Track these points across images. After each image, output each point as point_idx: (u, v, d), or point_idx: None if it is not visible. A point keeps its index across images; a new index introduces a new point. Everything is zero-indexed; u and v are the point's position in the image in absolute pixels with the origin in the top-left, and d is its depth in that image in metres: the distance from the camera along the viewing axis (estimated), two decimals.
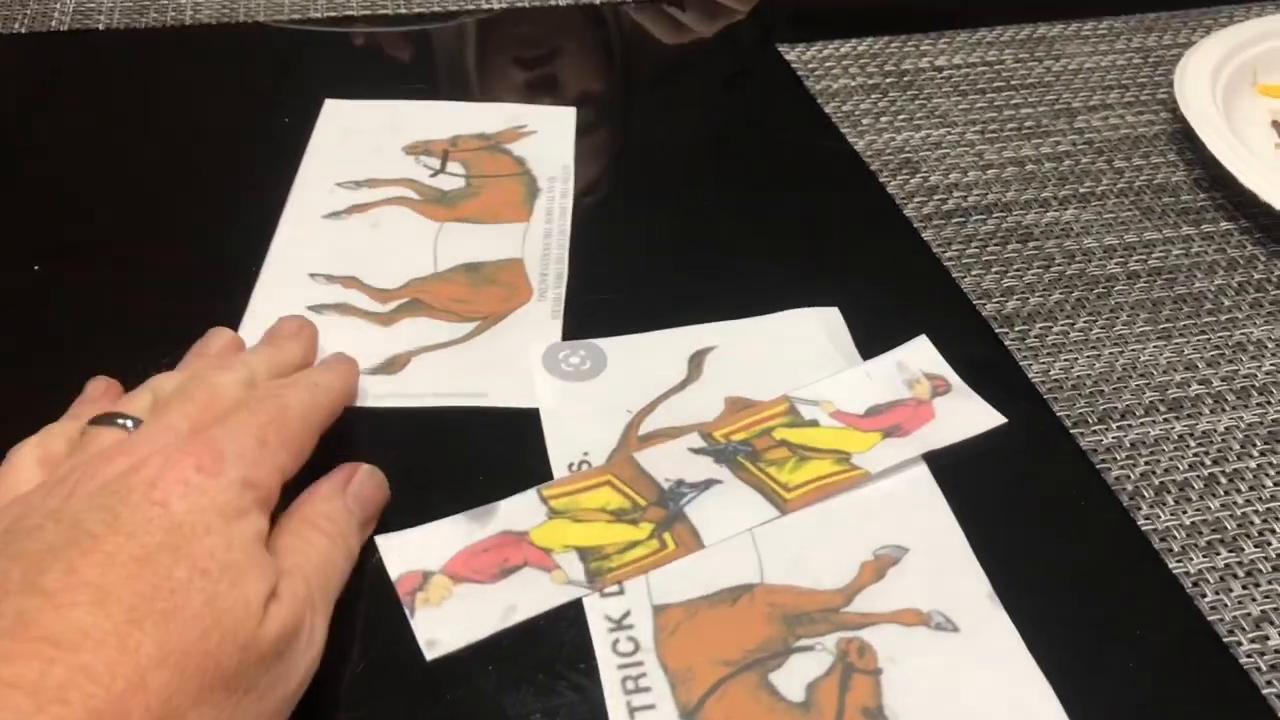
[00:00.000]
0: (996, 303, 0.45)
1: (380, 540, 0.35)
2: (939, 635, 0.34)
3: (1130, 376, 0.42)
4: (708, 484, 0.37)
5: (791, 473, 0.38)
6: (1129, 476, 0.38)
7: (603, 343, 0.43)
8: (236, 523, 0.29)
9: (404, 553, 0.35)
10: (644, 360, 0.42)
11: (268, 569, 0.29)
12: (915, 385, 0.41)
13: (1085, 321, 0.44)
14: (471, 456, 0.38)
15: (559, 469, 0.38)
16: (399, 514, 0.36)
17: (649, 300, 0.44)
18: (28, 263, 0.45)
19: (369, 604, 0.33)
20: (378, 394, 0.40)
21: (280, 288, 0.44)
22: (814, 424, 0.39)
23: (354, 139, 0.52)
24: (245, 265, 0.45)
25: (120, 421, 0.33)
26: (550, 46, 0.60)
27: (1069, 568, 0.36)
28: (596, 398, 0.41)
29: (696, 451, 0.38)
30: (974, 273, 0.46)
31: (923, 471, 0.38)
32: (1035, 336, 0.43)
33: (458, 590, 0.34)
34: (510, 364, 0.42)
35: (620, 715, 0.31)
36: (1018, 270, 0.46)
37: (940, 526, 0.37)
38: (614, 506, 0.36)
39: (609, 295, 0.44)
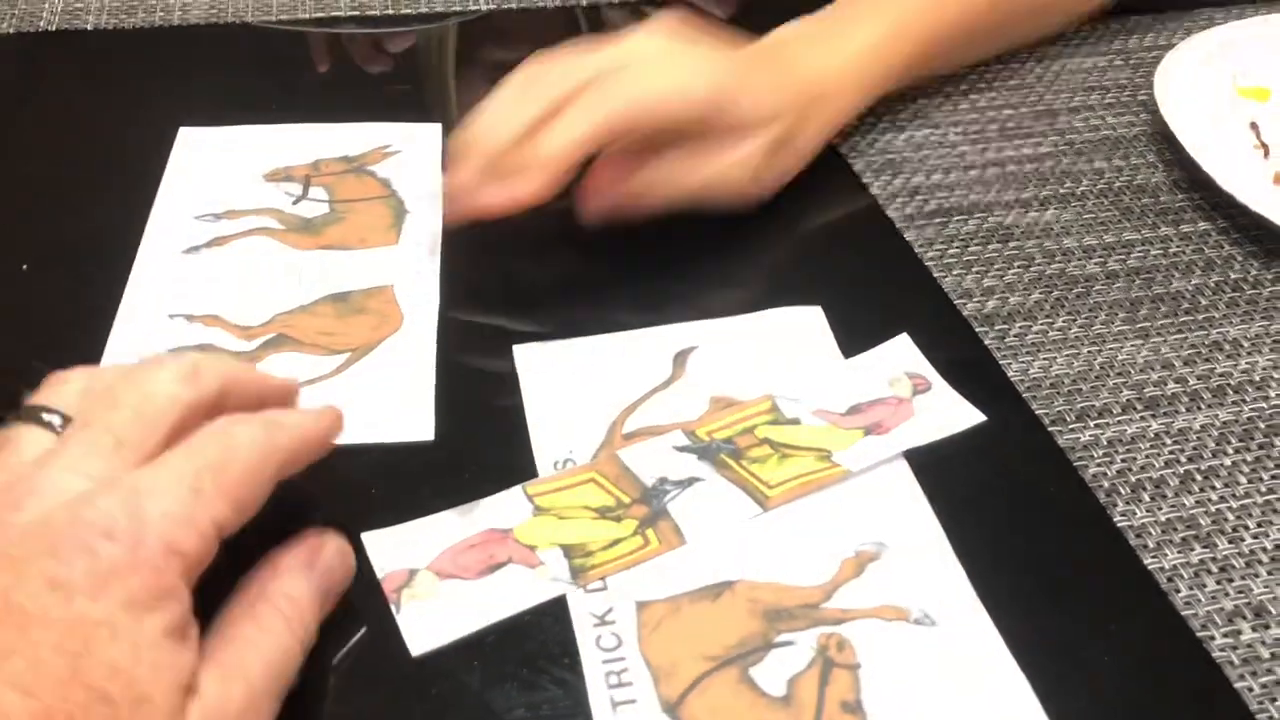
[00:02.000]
0: (977, 302, 0.45)
1: (366, 538, 0.35)
2: (918, 630, 0.34)
3: (1108, 375, 0.43)
4: (690, 481, 0.38)
5: (773, 470, 0.38)
6: (1105, 474, 0.39)
7: (587, 342, 0.43)
8: (148, 617, 0.26)
9: (390, 550, 0.35)
10: (628, 359, 0.43)
11: (183, 670, 0.26)
12: (896, 383, 0.41)
13: (1064, 321, 0.45)
14: (457, 455, 0.39)
15: (544, 467, 0.38)
16: (385, 512, 0.36)
17: (628, 301, 0.45)
18: (16, 262, 0.45)
19: (354, 600, 0.34)
20: None
21: (138, 331, 0.42)
22: (796, 422, 0.40)
23: (211, 168, 0.50)
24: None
25: (46, 418, 0.30)
26: (530, 49, 0.60)
27: (1046, 564, 0.36)
28: (581, 397, 0.41)
29: (680, 449, 0.39)
30: (955, 272, 0.47)
31: (903, 468, 0.39)
32: (1015, 335, 0.44)
33: (443, 587, 0.34)
34: (389, 395, 0.40)
35: (603, 709, 0.32)
36: (998, 270, 0.47)
37: (920, 523, 0.37)
38: (598, 504, 0.37)
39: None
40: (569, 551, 0.35)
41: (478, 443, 0.39)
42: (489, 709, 0.32)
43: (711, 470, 0.38)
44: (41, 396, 0.31)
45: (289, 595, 0.30)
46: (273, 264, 0.45)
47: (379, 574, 0.34)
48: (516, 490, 0.37)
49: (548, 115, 0.42)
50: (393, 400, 0.40)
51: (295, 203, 0.48)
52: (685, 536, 0.36)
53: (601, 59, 0.44)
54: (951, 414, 0.40)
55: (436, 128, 0.52)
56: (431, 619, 0.33)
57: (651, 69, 0.44)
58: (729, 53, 0.46)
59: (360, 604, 0.34)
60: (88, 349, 0.42)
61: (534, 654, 0.33)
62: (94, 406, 0.30)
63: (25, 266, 0.45)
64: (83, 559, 0.25)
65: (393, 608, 0.34)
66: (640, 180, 0.45)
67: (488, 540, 0.35)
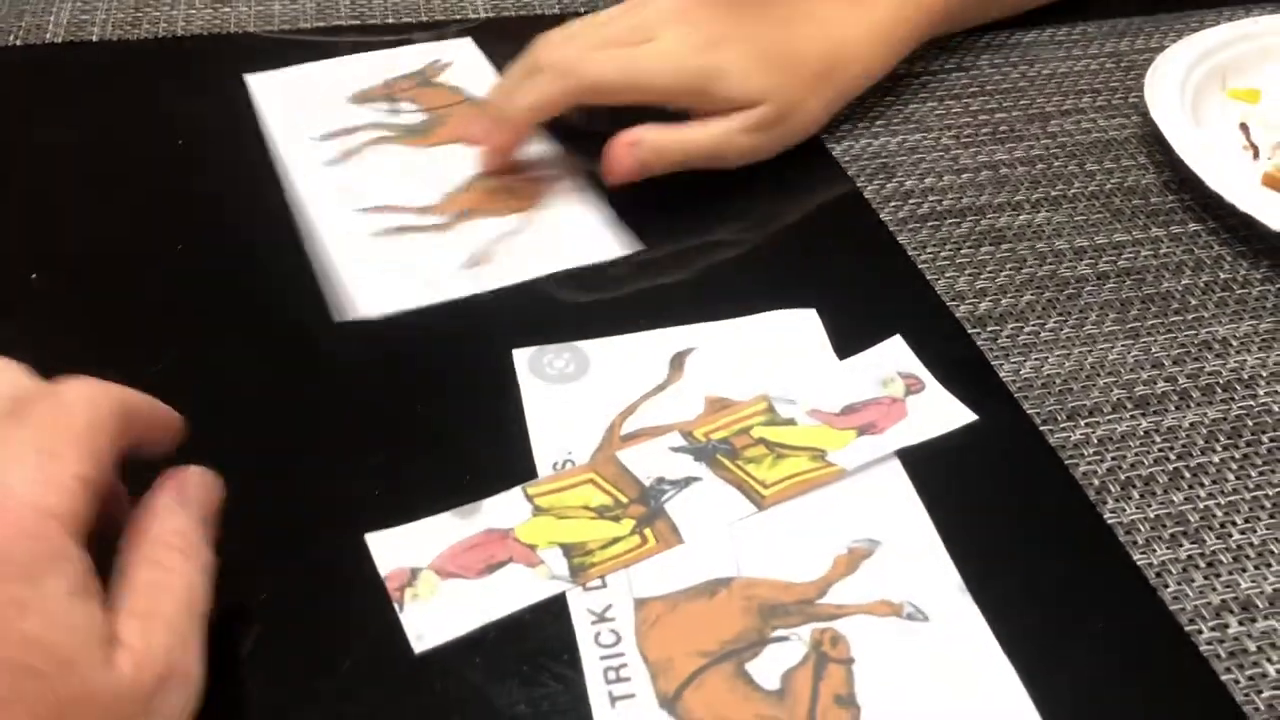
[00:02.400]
0: (969, 304, 0.46)
1: (370, 538, 0.36)
2: (910, 625, 0.35)
3: (1098, 375, 0.43)
4: (687, 481, 0.38)
5: (769, 470, 0.39)
6: (1095, 472, 0.40)
7: (586, 345, 0.44)
8: (47, 582, 0.26)
9: (392, 550, 0.36)
10: (626, 362, 0.43)
11: (97, 626, 0.27)
12: (889, 384, 0.42)
13: (1055, 322, 0.45)
14: (458, 456, 0.39)
15: (543, 468, 0.39)
16: (387, 512, 0.37)
17: (627, 304, 0.45)
18: (24, 272, 0.46)
19: (358, 600, 0.34)
20: (482, 283, 0.46)
21: (343, 231, 0.47)
22: (791, 422, 0.41)
23: (299, 103, 0.54)
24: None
25: None
26: None
27: (1036, 560, 0.37)
28: (580, 399, 0.42)
29: (677, 450, 0.39)
30: (948, 275, 0.47)
31: (896, 467, 0.39)
32: (1007, 337, 0.45)
33: (444, 586, 0.35)
34: (587, 224, 0.48)
35: (602, 704, 0.32)
36: (990, 272, 0.48)
37: (912, 520, 0.38)
38: (596, 504, 0.38)
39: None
40: (568, 550, 0.36)
41: (478, 444, 0.40)
42: (490, 705, 0.32)
43: (708, 470, 0.39)
44: None
45: (176, 530, 0.30)
46: (408, 161, 0.51)
47: (382, 573, 0.35)
48: (516, 491, 0.38)
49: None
50: (592, 226, 0.48)
51: (393, 115, 0.54)
52: (683, 535, 0.37)
53: (592, 35, 0.48)
54: (944, 413, 0.41)
55: (467, 40, 0.59)
56: (433, 617, 0.34)
57: (622, 56, 0.48)
58: (713, 42, 0.49)
59: (364, 603, 0.34)
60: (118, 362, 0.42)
61: (534, 651, 0.34)
62: None
63: (34, 276, 0.46)
64: None
65: (396, 606, 0.34)
66: (655, 146, 0.49)
67: (488, 540, 0.36)
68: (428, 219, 0.48)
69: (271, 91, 0.56)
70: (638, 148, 0.48)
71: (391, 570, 0.35)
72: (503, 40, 0.62)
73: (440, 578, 0.35)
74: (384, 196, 0.49)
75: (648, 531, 0.37)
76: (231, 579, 0.32)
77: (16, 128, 0.55)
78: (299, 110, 0.54)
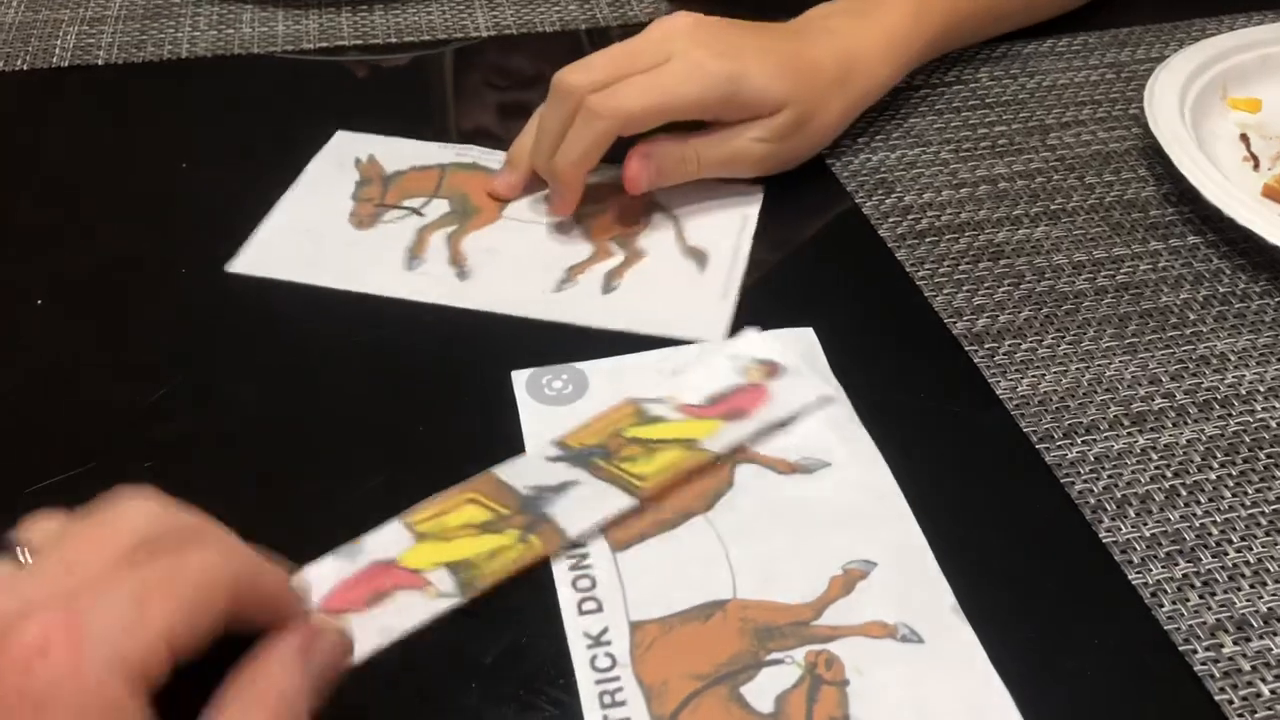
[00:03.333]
0: (967, 321, 0.46)
1: None
2: (905, 647, 0.35)
3: (1096, 391, 0.43)
4: (566, 486, 0.39)
5: (645, 465, 0.40)
6: (1092, 490, 0.40)
7: (584, 365, 0.44)
8: None
9: None
10: (624, 382, 0.44)
11: None
12: (750, 372, 0.43)
13: (1053, 338, 0.46)
14: (458, 478, 0.40)
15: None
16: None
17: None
18: (31, 296, 0.47)
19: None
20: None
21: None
22: (660, 420, 0.41)
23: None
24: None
25: (19, 551, 0.28)
26: (532, 73, 0.61)
27: (1032, 580, 0.37)
28: (578, 421, 0.42)
29: (553, 459, 0.40)
30: (945, 291, 0.47)
31: (890, 486, 0.39)
32: (1004, 354, 0.45)
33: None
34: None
35: None
36: (988, 288, 0.48)
37: (907, 540, 0.38)
38: (479, 521, 0.38)
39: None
40: (455, 568, 0.36)
41: (477, 466, 0.40)
42: None
43: (585, 473, 0.39)
44: (23, 529, 0.29)
45: (283, 694, 0.27)
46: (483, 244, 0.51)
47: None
48: (395, 523, 0.38)
49: (566, 130, 0.48)
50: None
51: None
52: (566, 534, 0.37)
53: (611, 66, 0.48)
54: (803, 390, 0.43)
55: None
56: None
57: (648, 81, 0.48)
58: (734, 52, 0.49)
59: None
60: (121, 386, 0.43)
61: (530, 675, 0.34)
62: (54, 539, 0.28)
63: (40, 301, 0.47)
64: (17, 679, 0.24)
65: None
66: (673, 157, 0.50)
67: (373, 573, 0.36)
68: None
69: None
70: (653, 159, 0.49)
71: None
72: (506, 57, 0.62)
73: (331, 616, 0.35)
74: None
75: (532, 538, 0.37)
76: None
77: (23, 152, 0.55)
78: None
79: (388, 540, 0.37)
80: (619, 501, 0.38)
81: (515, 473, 0.39)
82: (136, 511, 0.28)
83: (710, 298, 0.47)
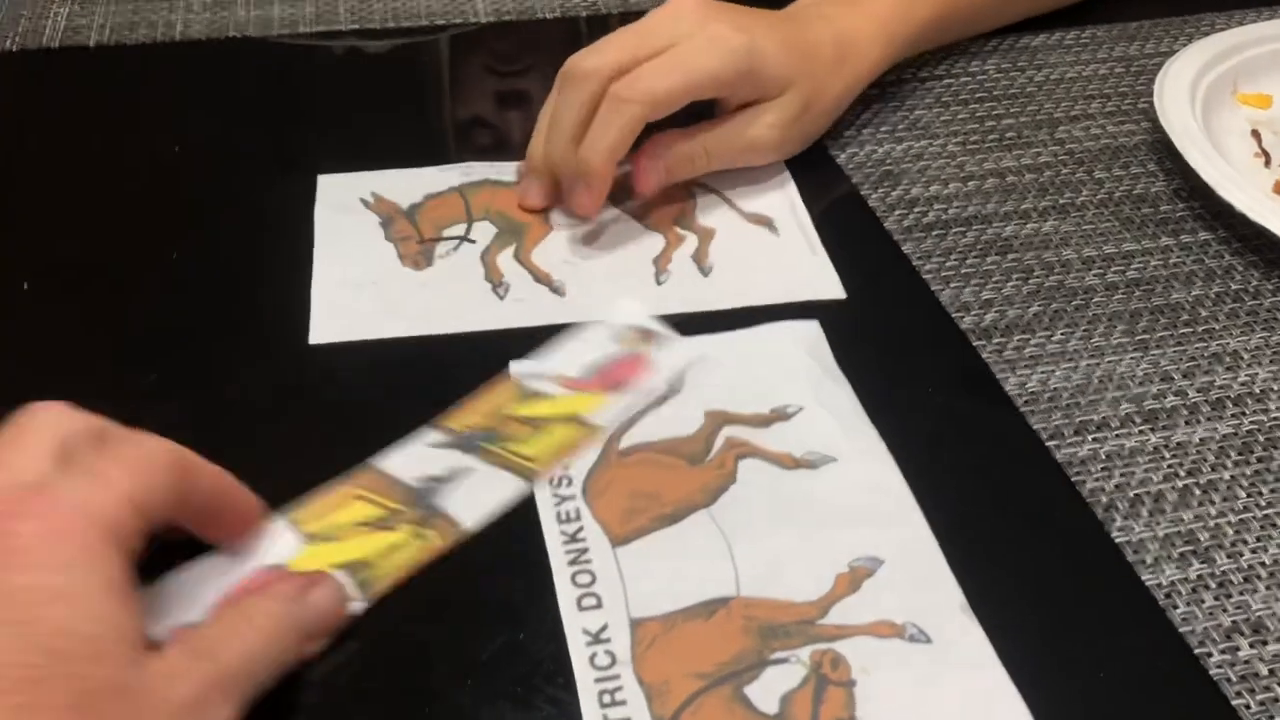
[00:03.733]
0: (975, 315, 0.45)
1: (145, 591, 0.32)
2: (912, 647, 0.34)
3: (1107, 388, 0.42)
4: (456, 474, 0.38)
5: (533, 445, 0.39)
6: (1104, 489, 0.39)
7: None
8: (80, 577, 0.27)
9: (166, 604, 0.33)
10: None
11: (126, 625, 0.27)
12: (627, 340, 0.43)
13: (1063, 333, 0.45)
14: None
15: (539, 485, 0.38)
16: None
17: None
18: (18, 280, 0.45)
19: None
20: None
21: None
22: (543, 395, 0.41)
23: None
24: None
25: None
26: (528, 60, 0.60)
27: (1043, 580, 0.36)
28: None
29: (438, 446, 0.39)
30: (953, 285, 0.46)
31: (898, 482, 0.38)
32: (1013, 349, 0.44)
33: None
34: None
35: None
36: (996, 283, 0.47)
37: (915, 538, 0.37)
38: (372, 518, 0.37)
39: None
40: (351, 569, 0.35)
41: None
42: None
43: (476, 460, 0.39)
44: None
45: (267, 612, 0.31)
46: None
47: (165, 632, 0.32)
48: (281, 523, 0.36)
49: (586, 119, 0.46)
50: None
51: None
52: (462, 526, 0.36)
53: (625, 49, 0.47)
54: (680, 356, 0.42)
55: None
56: None
57: (669, 60, 0.47)
58: (746, 27, 0.48)
59: None
60: (110, 371, 0.42)
61: (528, 673, 0.33)
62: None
63: (26, 285, 0.45)
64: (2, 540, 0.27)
65: None
66: (681, 154, 0.49)
67: (262, 579, 0.34)
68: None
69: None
70: (661, 158, 0.48)
71: (171, 627, 0.32)
72: (500, 44, 0.61)
73: None
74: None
75: (428, 533, 0.36)
76: None
77: (12, 133, 0.54)
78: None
79: (275, 543, 0.35)
80: (513, 487, 0.38)
81: (400, 464, 0.38)
82: (54, 415, 0.31)
83: (803, 256, 0.47)
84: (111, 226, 0.49)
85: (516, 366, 0.42)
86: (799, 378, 0.42)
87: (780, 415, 0.41)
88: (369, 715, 0.32)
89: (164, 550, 0.33)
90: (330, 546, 0.36)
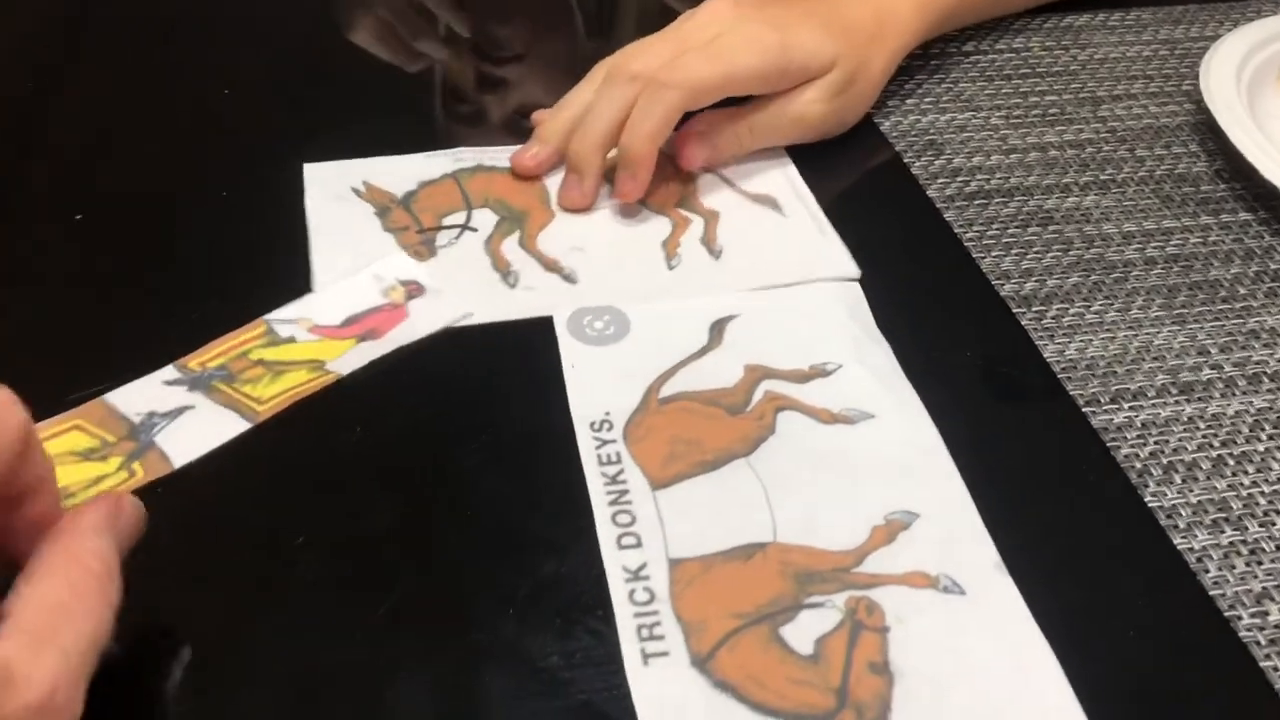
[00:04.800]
0: (1015, 283, 0.46)
1: None
2: (946, 598, 0.34)
3: (1143, 359, 0.43)
4: (179, 411, 0.38)
5: (266, 387, 0.39)
6: (1138, 455, 0.39)
7: (626, 308, 0.44)
8: None
9: None
10: (666, 327, 0.43)
11: None
12: (391, 292, 0.43)
13: (1101, 304, 0.45)
14: (499, 416, 0.39)
15: (581, 427, 0.39)
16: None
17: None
18: (70, 212, 0.46)
19: None
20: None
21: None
22: (291, 340, 0.41)
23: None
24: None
25: None
26: (516, 45, 0.60)
27: (1076, 541, 0.37)
28: (618, 361, 0.42)
29: (170, 383, 0.40)
30: (994, 254, 0.47)
31: (935, 441, 0.39)
32: (1052, 318, 0.44)
33: None
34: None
35: (635, 660, 0.32)
36: (1037, 253, 0.47)
37: (952, 496, 0.37)
38: (82, 448, 0.37)
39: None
40: None
41: (514, 405, 0.40)
42: (524, 655, 0.32)
43: (203, 397, 0.39)
44: None
45: (98, 553, 0.28)
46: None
47: None
48: None
49: (625, 118, 0.46)
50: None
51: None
52: (172, 462, 0.37)
53: (668, 51, 0.47)
54: (442, 312, 0.43)
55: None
56: None
57: (710, 50, 0.47)
58: (781, 24, 0.48)
59: None
60: (157, 305, 0.43)
61: (567, 606, 0.34)
62: None
63: (78, 216, 0.46)
64: None
65: None
66: (727, 132, 0.49)
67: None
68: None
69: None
70: (711, 135, 0.48)
71: None
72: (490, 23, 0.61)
73: None
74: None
75: (136, 465, 0.37)
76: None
77: (65, 65, 0.55)
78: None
79: None
80: (232, 428, 0.38)
81: (127, 399, 0.39)
82: None
83: (811, 236, 0.47)
84: (162, 162, 0.49)
85: (271, 314, 0.42)
86: (839, 336, 0.43)
87: (819, 371, 0.41)
88: (414, 641, 0.33)
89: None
90: None
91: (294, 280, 0.44)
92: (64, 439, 0.37)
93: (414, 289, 0.43)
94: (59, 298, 0.43)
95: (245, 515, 0.36)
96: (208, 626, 0.33)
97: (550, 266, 0.46)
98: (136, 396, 0.39)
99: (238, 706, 0.31)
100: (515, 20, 0.61)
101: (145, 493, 0.36)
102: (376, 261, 0.44)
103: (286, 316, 0.42)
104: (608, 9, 0.64)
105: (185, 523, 0.35)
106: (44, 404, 0.38)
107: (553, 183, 0.49)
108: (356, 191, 0.49)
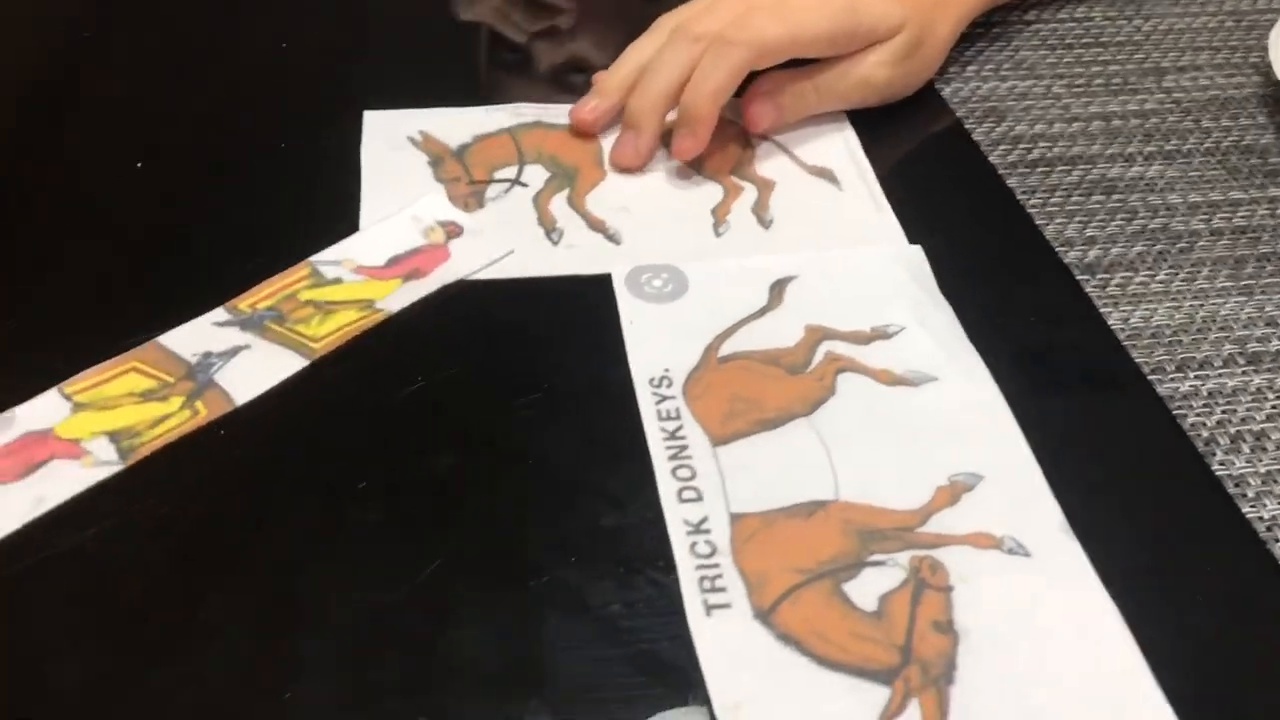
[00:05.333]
0: (1078, 251, 0.45)
1: None
2: (1011, 559, 0.34)
3: (1209, 329, 0.42)
4: (235, 351, 0.39)
5: (318, 326, 0.40)
6: (1204, 424, 0.39)
7: (685, 266, 0.43)
8: None
9: None
10: (725, 286, 0.43)
11: None
12: (431, 233, 0.43)
13: (1166, 274, 0.44)
14: (557, 369, 0.39)
15: (640, 383, 0.39)
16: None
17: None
18: (131, 160, 0.46)
19: None
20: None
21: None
22: (337, 282, 0.41)
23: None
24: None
25: None
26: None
27: (1142, 506, 0.36)
28: (677, 319, 0.41)
29: (222, 324, 0.40)
30: (1057, 221, 0.46)
31: (999, 404, 0.38)
32: (1116, 286, 0.44)
33: None
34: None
35: (697, 610, 0.32)
36: (1100, 221, 0.46)
37: (1016, 459, 0.37)
38: (142, 389, 0.37)
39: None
40: (116, 436, 0.36)
41: (572, 359, 0.40)
42: (586, 603, 0.32)
43: (256, 337, 0.39)
44: None
45: None
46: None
47: None
48: (52, 392, 0.37)
49: (688, 76, 0.46)
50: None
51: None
52: (234, 400, 0.37)
53: (737, 2, 0.47)
54: (482, 250, 0.43)
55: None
56: None
57: (778, 9, 0.46)
58: None
59: None
60: (212, 250, 0.43)
61: (630, 556, 0.33)
62: None
63: (139, 164, 0.46)
64: None
65: None
66: (793, 92, 0.49)
67: (26, 444, 0.36)
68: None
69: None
70: (777, 96, 0.48)
71: None
72: None
73: None
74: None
75: (198, 404, 0.37)
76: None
77: (128, 23, 0.55)
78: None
79: (42, 410, 0.37)
80: (291, 364, 0.38)
81: (181, 340, 0.39)
82: None
83: (866, 212, 0.46)
84: (220, 114, 0.49)
85: (314, 255, 0.42)
86: (901, 299, 0.42)
87: (881, 334, 0.41)
88: (477, 584, 0.33)
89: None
90: (98, 415, 0.37)
91: (346, 228, 0.44)
92: (123, 380, 0.38)
93: (453, 229, 0.44)
94: (116, 243, 0.43)
95: (306, 458, 0.36)
96: (270, 568, 0.33)
97: (595, 226, 0.45)
98: (190, 337, 0.39)
99: (297, 648, 0.31)
100: None
101: (208, 433, 0.36)
102: (414, 203, 0.45)
103: (330, 258, 0.42)
104: None
105: (247, 465, 0.35)
106: (99, 348, 0.38)
107: (607, 142, 0.49)
108: (413, 141, 0.49)
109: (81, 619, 0.31)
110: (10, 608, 0.32)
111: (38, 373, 0.37)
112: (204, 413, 0.37)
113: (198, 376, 0.38)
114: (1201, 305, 0.43)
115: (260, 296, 0.41)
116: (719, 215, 0.46)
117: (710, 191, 0.47)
